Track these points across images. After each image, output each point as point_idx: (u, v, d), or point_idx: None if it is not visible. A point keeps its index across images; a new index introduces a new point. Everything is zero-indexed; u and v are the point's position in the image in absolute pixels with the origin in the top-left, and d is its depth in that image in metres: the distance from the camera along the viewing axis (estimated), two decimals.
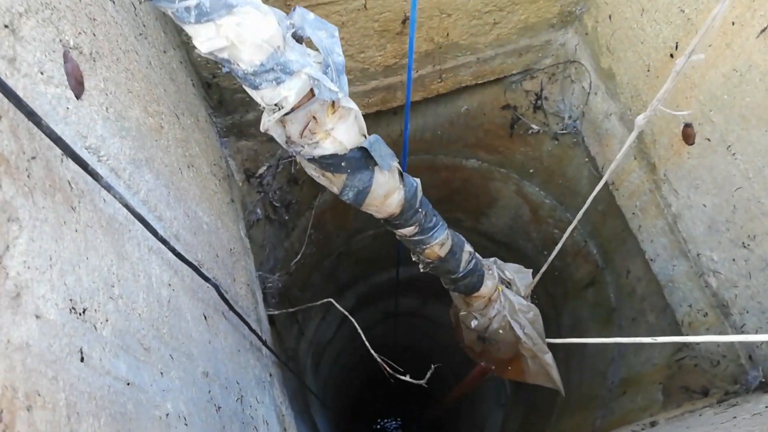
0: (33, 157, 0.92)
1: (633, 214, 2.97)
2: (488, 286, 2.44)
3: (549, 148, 3.73)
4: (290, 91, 1.22)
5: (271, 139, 3.33)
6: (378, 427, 9.91)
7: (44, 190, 0.92)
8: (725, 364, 2.47)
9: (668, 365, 2.81)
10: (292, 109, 1.30)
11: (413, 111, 3.58)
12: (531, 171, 4.01)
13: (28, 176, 0.89)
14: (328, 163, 1.52)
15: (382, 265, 5.63)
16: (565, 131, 3.50)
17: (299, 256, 3.87)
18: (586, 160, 3.43)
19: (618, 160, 1.88)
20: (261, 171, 3.40)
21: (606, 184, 3.18)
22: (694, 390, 2.53)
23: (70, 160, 1.04)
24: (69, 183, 1.02)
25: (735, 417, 1.78)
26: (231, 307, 1.94)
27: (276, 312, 3.26)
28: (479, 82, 3.38)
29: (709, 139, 2.34)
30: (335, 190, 1.66)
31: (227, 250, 2.33)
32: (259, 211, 3.46)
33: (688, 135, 2.46)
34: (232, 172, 3.13)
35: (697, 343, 2.63)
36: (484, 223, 4.77)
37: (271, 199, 3.56)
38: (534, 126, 3.67)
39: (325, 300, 3.02)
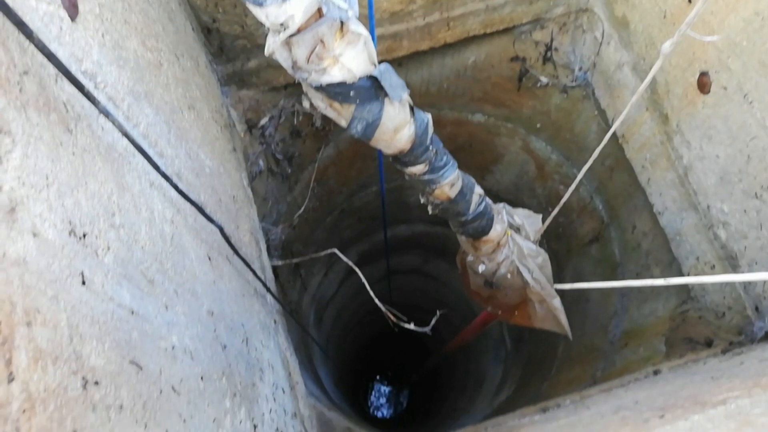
0: (25, 72, 0.87)
1: (642, 167, 2.92)
2: (497, 230, 2.40)
3: (557, 101, 3.64)
4: (297, 9, 1.16)
5: (274, 89, 3.28)
6: (378, 383, 10.14)
7: (38, 108, 0.88)
8: (731, 315, 2.46)
9: (672, 317, 2.80)
10: (299, 30, 1.23)
11: (419, 62, 3.49)
12: (538, 126, 3.93)
13: (20, 90, 0.84)
14: (336, 92, 1.46)
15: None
16: (574, 84, 3.41)
17: (302, 210, 3.84)
18: (596, 113, 3.36)
19: (638, 93, 1.82)
20: (263, 122, 3.34)
21: (615, 137, 3.12)
22: (697, 341, 2.53)
23: (65, 81, 0.99)
24: (64, 104, 0.98)
25: (743, 363, 1.77)
26: (235, 251, 1.92)
27: (279, 263, 3.25)
28: (488, 31, 3.27)
29: (725, 88, 2.27)
30: (343, 122, 1.60)
31: (230, 197, 2.30)
32: (261, 162, 3.41)
33: (703, 84, 2.39)
34: (234, 122, 3.07)
35: (703, 295, 2.61)
36: (489, 181, 4.72)
37: (273, 151, 3.51)
38: (543, 78, 3.57)
39: (329, 251, 3.00)
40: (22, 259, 0.73)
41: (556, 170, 4.05)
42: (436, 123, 4.15)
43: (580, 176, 2.52)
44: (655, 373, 2.26)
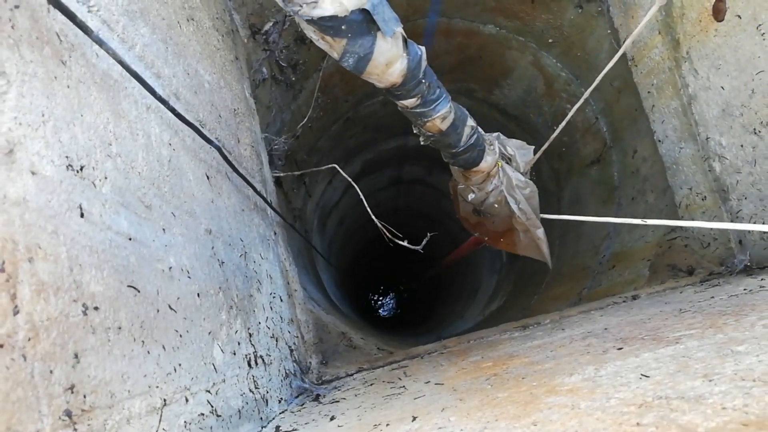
0: (16, 6, 0.88)
1: (648, 92, 2.87)
2: (488, 161, 2.43)
3: (572, 16, 3.51)
4: None
5: None
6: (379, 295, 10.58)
7: (31, 43, 0.90)
8: (715, 246, 2.54)
9: (659, 244, 2.89)
10: None
11: None
12: (550, 41, 3.81)
13: (12, 27, 0.86)
14: (328, 25, 1.44)
15: (390, 133, 5.59)
16: None
17: (306, 119, 3.83)
18: (609, 32, 3.25)
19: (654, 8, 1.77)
20: (267, 27, 3.26)
21: (625, 59, 3.05)
22: (680, 268, 2.62)
23: (57, 10, 1.00)
24: (57, 35, 0.99)
25: (713, 297, 1.86)
26: (234, 169, 1.97)
27: (282, 174, 3.31)
28: None
29: (739, 16, 2.19)
30: (335, 55, 1.59)
31: (231, 111, 2.31)
32: (265, 70, 3.37)
33: (718, 10, 2.31)
34: (237, 27, 3.01)
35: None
36: (497, 95, 4.65)
37: (277, 59, 3.45)
38: None
39: (330, 165, 3.04)
40: (22, 198, 0.79)
41: (564, 88, 3.97)
42: (446, 33, 4.04)
43: (587, 93, 2.51)
44: (634, 297, 2.37)
